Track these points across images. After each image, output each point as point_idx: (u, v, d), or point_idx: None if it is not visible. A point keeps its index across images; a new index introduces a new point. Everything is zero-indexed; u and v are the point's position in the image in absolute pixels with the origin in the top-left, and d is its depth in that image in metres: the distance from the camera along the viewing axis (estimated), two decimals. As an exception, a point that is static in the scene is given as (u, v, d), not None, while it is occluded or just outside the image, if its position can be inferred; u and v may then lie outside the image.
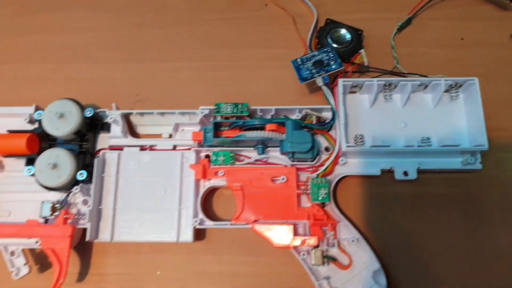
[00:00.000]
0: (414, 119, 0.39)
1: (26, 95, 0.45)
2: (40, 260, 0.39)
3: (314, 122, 0.38)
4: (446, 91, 0.39)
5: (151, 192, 0.39)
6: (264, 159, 0.38)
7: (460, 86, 0.38)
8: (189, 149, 0.39)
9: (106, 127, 0.41)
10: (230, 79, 0.45)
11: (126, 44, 0.47)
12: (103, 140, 0.41)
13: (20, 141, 0.38)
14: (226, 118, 0.38)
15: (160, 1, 0.49)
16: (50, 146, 0.40)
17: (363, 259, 0.36)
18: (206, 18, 0.48)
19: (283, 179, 0.37)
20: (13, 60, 0.47)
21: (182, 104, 0.41)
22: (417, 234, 0.38)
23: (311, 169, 0.38)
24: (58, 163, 0.38)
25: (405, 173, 0.37)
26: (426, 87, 0.39)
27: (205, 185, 0.39)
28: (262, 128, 0.37)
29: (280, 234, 0.36)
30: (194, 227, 0.37)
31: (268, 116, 0.39)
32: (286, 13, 0.47)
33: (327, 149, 0.38)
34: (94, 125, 0.41)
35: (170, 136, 0.41)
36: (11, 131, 0.40)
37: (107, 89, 0.44)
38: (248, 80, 0.44)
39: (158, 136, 0.42)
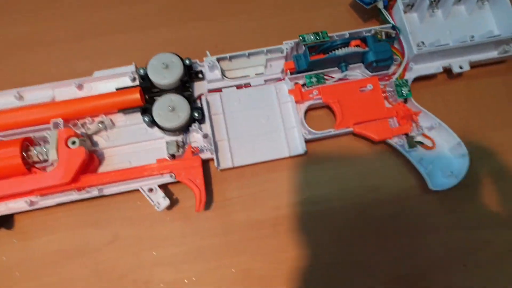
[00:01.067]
0: (456, 27, 0.47)
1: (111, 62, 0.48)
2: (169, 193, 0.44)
3: (383, 37, 0.45)
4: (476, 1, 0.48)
5: (255, 121, 0.44)
6: (347, 77, 0.45)
7: (486, -6, 0.48)
8: (282, 79, 0.46)
9: (198, 76, 0.46)
10: (289, 19, 0.51)
11: (194, 4, 0.52)
12: (198, 87, 0.46)
13: (134, 94, 0.42)
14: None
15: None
16: (154, 98, 0.44)
17: (444, 139, 0.44)
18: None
19: (370, 86, 0.44)
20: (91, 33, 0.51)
21: (255, 46, 0.47)
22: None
23: (386, 78, 0.45)
24: (174, 105, 0.42)
25: (460, 67, 0.46)
26: (460, 0, 0.48)
27: (302, 107, 0.45)
28: (345, 47, 0.44)
29: (378, 129, 0.43)
30: (305, 138, 0.43)
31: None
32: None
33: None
34: (189, 74, 0.46)
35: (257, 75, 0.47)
36: (119, 89, 0.44)
37: (190, 45, 0.49)
38: (305, 15, 0.51)
39: (247, 76, 0.47)
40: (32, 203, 0.40)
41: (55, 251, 0.42)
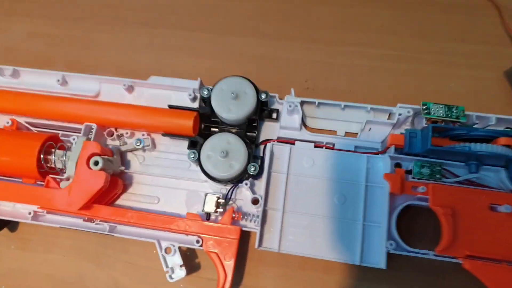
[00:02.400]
0: None
1: (179, 65, 0.40)
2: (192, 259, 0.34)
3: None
4: None
5: (327, 198, 0.32)
6: (474, 179, 0.31)
7: None
8: (381, 152, 0.33)
9: (271, 116, 0.35)
10: (417, 74, 0.38)
11: (295, 19, 0.41)
12: (267, 130, 0.36)
13: (188, 121, 0.33)
14: (435, 122, 0.31)
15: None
16: (211, 130, 0.35)
17: None
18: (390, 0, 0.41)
19: (506, 208, 0.30)
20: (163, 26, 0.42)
21: (358, 98, 0.35)
22: None
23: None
24: (230, 151, 0.32)
25: None
26: None
27: (398, 201, 0.32)
28: (487, 140, 0.30)
29: (505, 279, 0.29)
30: (388, 251, 0.30)
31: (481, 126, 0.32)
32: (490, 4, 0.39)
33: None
34: (261, 110, 0.35)
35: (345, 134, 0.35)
36: (172, 107, 0.35)
37: (271, 69, 0.38)
38: (439, 77, 0.37)
39: (332, 132, 0.36)
40: (35, 216, 0.33)
41: (45, 274, 0.35)
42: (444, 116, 0.31)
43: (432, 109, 0.31)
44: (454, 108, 0.31)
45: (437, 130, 0.30)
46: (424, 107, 0.31)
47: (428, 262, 0.31)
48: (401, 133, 0.32)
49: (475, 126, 0.32)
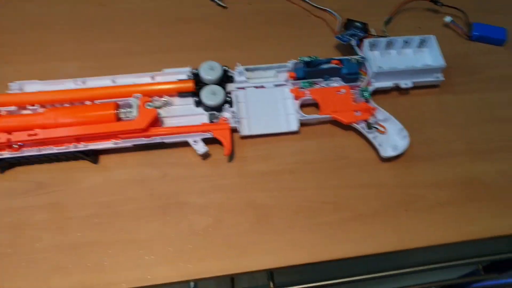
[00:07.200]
0: (404, 60, 0.71)
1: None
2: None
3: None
4: (418, 47, 0.72)
5: (267, 109, 0.66)
6: (328, 84, 0.68)
7: (425, 42, 0.72)
8: (286, 84, 0.68)
9: (231, 80, 0.69)
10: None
11: (231, 38, 0.77)
12: (230, 87, 0.69)
13: (189, 83, 0.65)
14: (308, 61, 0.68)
15: None
16: (201, 87, 0.67)
17: (392, 127, 0.65)
18: None
19: (343, 91, 0.67)
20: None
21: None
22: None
23: (355, 87, 0.68)
24: (215, 92, 0.64)
25: (405, 84, 0.68)
26: (408, 44, 0.72)
27: (298, 101, 0.67)
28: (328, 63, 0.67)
29: (347, 116, 0.64)
30: (299, 120, 0.64)
31: (326, 65, 0.70)
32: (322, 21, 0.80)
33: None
34: (226, 76, 0.68)
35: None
36: (179, 80, 0.67)
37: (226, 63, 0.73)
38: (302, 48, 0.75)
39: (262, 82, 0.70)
40: (116, 143, 0.61)
41: (123, 180, 0.61)
42: (309, 59, 0.68)
43: (303, 58, 0.68)
44: (313, 57, 0.69)
45: (307, 65, 0.67)
46: (300, 58, 0.68)
47: (325, 127, 0.66)
48: (293, 71, 0.68)
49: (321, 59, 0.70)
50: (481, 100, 0.72)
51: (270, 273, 0.71)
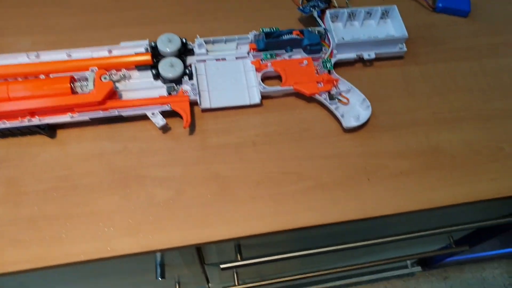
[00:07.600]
0: (367, 32, 0.71)
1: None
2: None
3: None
4: (381, 18, 0.72)
5: (228, 81, 0.65)
6: (290, 56, 0.67)
7: (388, 12, 0.72)
8: (247, 57, 0.67)
9: (190, 53, 0.68)
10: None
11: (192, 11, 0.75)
12: (189, 60, 0.67)
13: (147, 56, 0.64)
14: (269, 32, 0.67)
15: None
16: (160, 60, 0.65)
17: (355, 98, 0.64)
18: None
19: (305, 62, 0.66)
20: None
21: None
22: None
23: (318, 59, 0.67)
24: (174, 64, 0.63)
25: (369, 55, 0.68)
26: (370, 15, 0.72)
27: (259, 74, 0.66)
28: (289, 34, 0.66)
29: (309, 87, 0.64)
30: (260, 92, 0.63)
31: (289, 36, 0.69)
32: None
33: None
34: (185, 49, 0.67)
35: (231, 55, 0.69)
36: (137, 53, 0.65)
37: (185, 36, 0.71)
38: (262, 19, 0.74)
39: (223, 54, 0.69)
40: (72, 117, 0.59)
41: (81, 153, 0.59)
42: (269, 30, 0.67)
43: (264, 29, 0.67)
44: (274, 28, 0.67)
45: (267, 36, 0.66)
46: (261, 29, 0.67)
47: (288, 99, 0.65)
48: (254, 42, 0.67)
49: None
50: (445, 70, 0.72)
51: (238, 246, 0.70)
